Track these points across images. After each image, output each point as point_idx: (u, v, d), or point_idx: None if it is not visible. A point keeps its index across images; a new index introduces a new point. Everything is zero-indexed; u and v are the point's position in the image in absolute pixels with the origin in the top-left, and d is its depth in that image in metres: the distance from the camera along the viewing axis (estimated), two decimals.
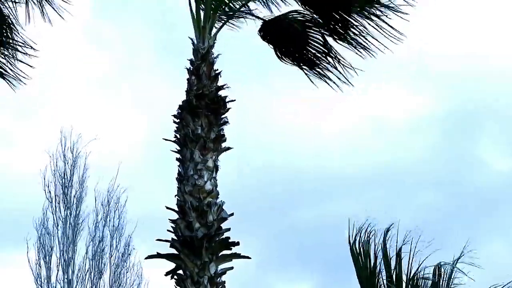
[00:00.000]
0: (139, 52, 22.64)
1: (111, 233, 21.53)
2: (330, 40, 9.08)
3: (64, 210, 21.35)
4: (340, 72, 9.15)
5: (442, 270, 8.29)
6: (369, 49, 8.93)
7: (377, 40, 8.86)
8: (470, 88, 24.41)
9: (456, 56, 23.33)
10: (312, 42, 9.17)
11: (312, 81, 9.30)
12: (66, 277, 20.87)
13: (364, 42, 8.92)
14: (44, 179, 21.54)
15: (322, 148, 23.70)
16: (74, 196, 21.51)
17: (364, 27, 8.84)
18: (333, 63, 9.17)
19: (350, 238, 8.45)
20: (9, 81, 9.18)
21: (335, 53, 9.14)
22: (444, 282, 8.28)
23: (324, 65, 9.22)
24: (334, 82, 9.24)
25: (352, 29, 8.90)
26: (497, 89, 23.77)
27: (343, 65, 9.13)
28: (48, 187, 21.51)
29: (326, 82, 9.27)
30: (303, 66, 9.30)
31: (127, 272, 21.30)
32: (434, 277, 8.27)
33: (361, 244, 8.39)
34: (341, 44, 9.01)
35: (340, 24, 8.88)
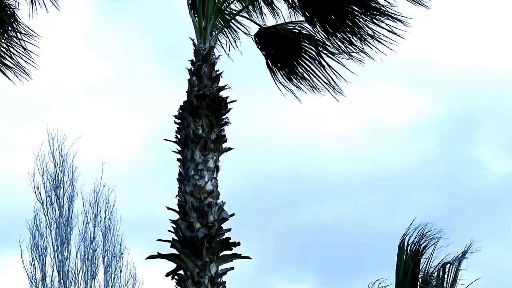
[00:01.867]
0: (139, 53, 22.69)
1: (103, 234, 21.59)
2: (324, 52, 9.18)
3: (57, 211, 21.37)
4: (332, 85, 9.26)
5: (447, 269, 8.33)
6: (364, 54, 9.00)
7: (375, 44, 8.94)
8: (468, 89, 24.44)
9: (454, 58, 23.37)
10: (304, 54, 9.27)
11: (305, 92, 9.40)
12: (61, 277, 20.89)
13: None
14: (33, 181, 21.60)
15: (321, 150, 23.72)
16: (64, 196, 21.55)
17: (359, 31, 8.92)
18: (325, 75, 9.27)
19: (405, 236, 8.51)
20: (13, 73, 9.16)
21: (328, 66, 9.23)
22: (448, 282, 8.32)
23: (315, 78, 9.33)
24: (325, 93, 9.35)
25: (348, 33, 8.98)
26: (495, 91, 23.80)
27: (335, 76, 9.23)
28: (38, 188, 21.56)
29: (316, 93, 9.38)
30: (293, 79, 9.41)
31: (120, 272, 21.34)
32: (438, 277, 8.32)
33: (411, 245, 8.45)
34: (332, 52, 9.10)
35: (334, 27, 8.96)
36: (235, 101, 8.04)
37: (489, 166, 24.93)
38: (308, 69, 9.33)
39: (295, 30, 9.21)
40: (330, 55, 9.15)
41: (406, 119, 25.18)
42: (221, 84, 8.06)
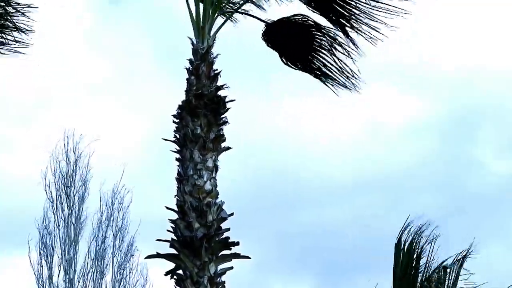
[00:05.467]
0: (139, 53, 22.72)
1: (114, 234, 21.61)
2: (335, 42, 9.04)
3: (67, 210, 21.41)
4: (347, 76, 9.10)
5: (448, 270, 8.31)
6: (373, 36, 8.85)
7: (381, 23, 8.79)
8: (468, 89, 24.46)
9: (454, 58, 23.38)
10: (317, 45, 9.11)
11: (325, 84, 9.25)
12: (67, 277, 20.92)
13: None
14: (45, 179, 21.64)
15: (321, 150, 23.73)
16: (75, 196, 21.60)
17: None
18: (339, 66, 9.11)
19: (402, 234, 8.44)
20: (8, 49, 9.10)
21: (343, 52, 9.07)
22: (449, 283, 8.31)
23: (331, 69, 9.17)
24: (342, 86, 9.18)
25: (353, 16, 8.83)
26: (495, 91, 23.82)
27: (348, 71, 9.08)
28: (49, 187, 21.60)
29: (333, 86, 9.22)
30: (310, 71, 9.23)
31: (130, 273, 21.36)
32: (439, 278, 8.30)
33: (406, 241, 8.39)
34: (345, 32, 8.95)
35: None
36: (234, 100, 8.04)
37: (489, 166, 24.94)
38: (324, 61, 9.16)
39: (305, 23, 9.04)
40: (341, 43, 8.98)
41: (406, 120, 25.20)
42: (219, 83, 8.06)
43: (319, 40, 9.08)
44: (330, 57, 9.08)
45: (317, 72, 9.18)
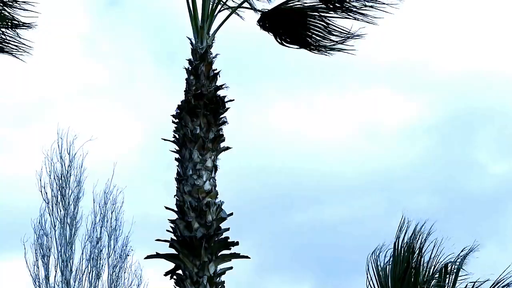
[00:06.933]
0: (139, 54, 22.75)
1: (108, 234, 21.62)
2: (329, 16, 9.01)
3: (62, 211, 21.41)
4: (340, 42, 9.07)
5: (448, 269, 8.31)
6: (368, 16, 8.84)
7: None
8: (467, 92, 24.49)
9: (453, 60, 23.41)
10: (312, 24, 9.04)
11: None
12: (64, 277, 20.94)
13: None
14: (40, 180, 21.62)
15: (320, 152, 23.75)
16: (71, 197, 21.59)
17: None
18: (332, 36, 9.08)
19: (399, 233, 8.43)
20: (12, 54, 9.09)
21: (336, 27, 9.02)
22: (450, 281, 8.30)
23: (326, 42, 9.12)
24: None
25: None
26: (494, 93, 23.86)
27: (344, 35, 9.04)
28: (44, 188, 21.58)
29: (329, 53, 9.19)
30: (306, 46, 9.19)
31: (125, 273, 21.37)
32: (440, 277, 8.29)
33: (404, 242, 8.37)
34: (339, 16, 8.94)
35: None
36: (233, 100, 8.05)
37: (488, 168, 24.93)
38: (316, 35, 9.07)
39: (298, 6, 8.96)
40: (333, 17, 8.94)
41: (406, 121, 25.21)
42: (218, 83, 8.07)
43: (312, 18, 9.01)
44: (324, 27, 9.05)
45: (312, 46, 9.16)
